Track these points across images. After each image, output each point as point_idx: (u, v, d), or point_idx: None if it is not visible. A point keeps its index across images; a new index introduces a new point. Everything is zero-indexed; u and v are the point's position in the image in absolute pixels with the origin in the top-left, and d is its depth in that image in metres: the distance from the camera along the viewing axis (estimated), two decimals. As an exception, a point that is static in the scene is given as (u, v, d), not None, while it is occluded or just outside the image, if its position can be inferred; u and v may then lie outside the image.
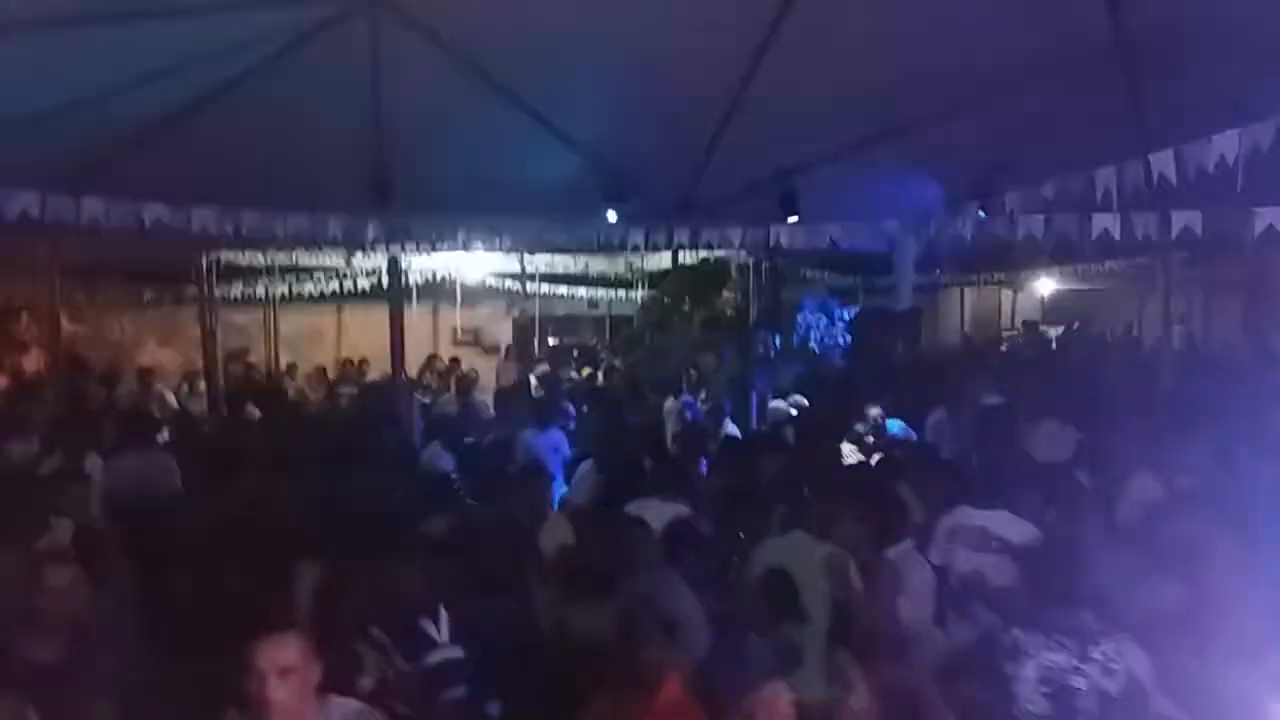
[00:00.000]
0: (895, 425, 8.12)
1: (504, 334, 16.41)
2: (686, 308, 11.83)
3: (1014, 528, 4.48)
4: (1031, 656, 3.51)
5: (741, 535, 5.21)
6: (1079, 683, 3.41)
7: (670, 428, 9.31)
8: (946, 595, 4.53)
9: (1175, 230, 5.55)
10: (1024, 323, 16.71)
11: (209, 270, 10.98)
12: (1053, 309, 17.25)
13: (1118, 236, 5.65)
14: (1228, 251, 11.45)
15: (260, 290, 12.94)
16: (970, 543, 4.53)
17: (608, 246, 9.12)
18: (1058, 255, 13.26)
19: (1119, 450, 6.26)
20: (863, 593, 4.45)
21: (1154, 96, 6.19)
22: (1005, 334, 17.20)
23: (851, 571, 4.45)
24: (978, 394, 8.88)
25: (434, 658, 3.47)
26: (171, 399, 11.56)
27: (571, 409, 10.38)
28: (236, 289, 12.86)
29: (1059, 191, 5.35)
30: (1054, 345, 15.60)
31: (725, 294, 11.53)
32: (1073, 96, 6.90)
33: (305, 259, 12.30)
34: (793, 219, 7.29)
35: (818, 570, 4.41)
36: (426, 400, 11.19)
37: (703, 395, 10.72)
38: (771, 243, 7.39)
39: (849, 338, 11.10)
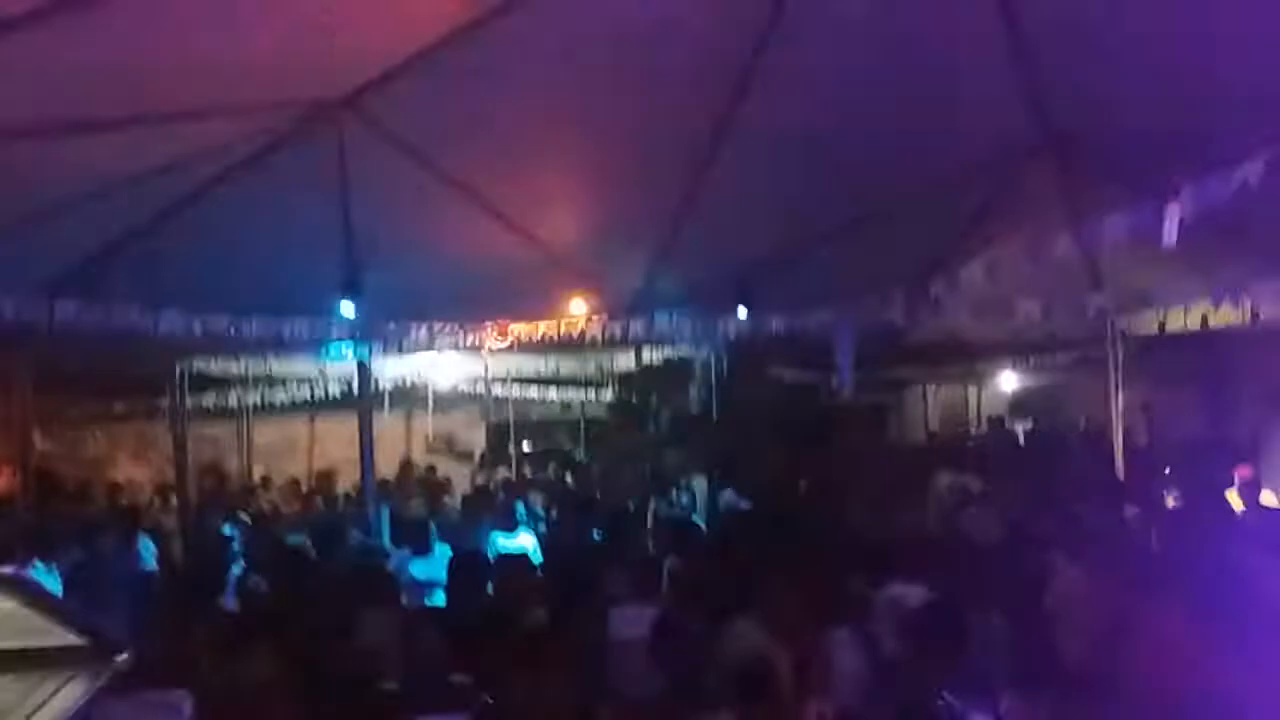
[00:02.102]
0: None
1: (477, 440, 16.53)
2: (653, 406, 12.09)
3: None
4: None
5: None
6: None
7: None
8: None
9: (1091, 312, 5.89)
10: (989, 419, 16.95)
11: (181, 378, 11.12)
12: (1018, 404, 17.52)
13: (1038, 318, 5.97)
14: (1184, 341, 11.88)
15: (233, 400, 13.07)
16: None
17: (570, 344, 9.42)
18: (1011, 348, 13.63)
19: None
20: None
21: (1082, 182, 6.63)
22: (972, 430, 17.43)
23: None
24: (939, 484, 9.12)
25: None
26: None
27: (540, 511, 10.52)
28: (209, 399, 12.98)
29: (986, 276, 5.67)
30: (1020, 441, 15.84)
31: (690, 392, 11.79)
32: (1004, 189, 7.36)
33: (277, 367, 12.52)
34: (742, 311, 7.62)
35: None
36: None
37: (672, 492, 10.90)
38: (720, 334, 7.70)
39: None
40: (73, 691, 2.18)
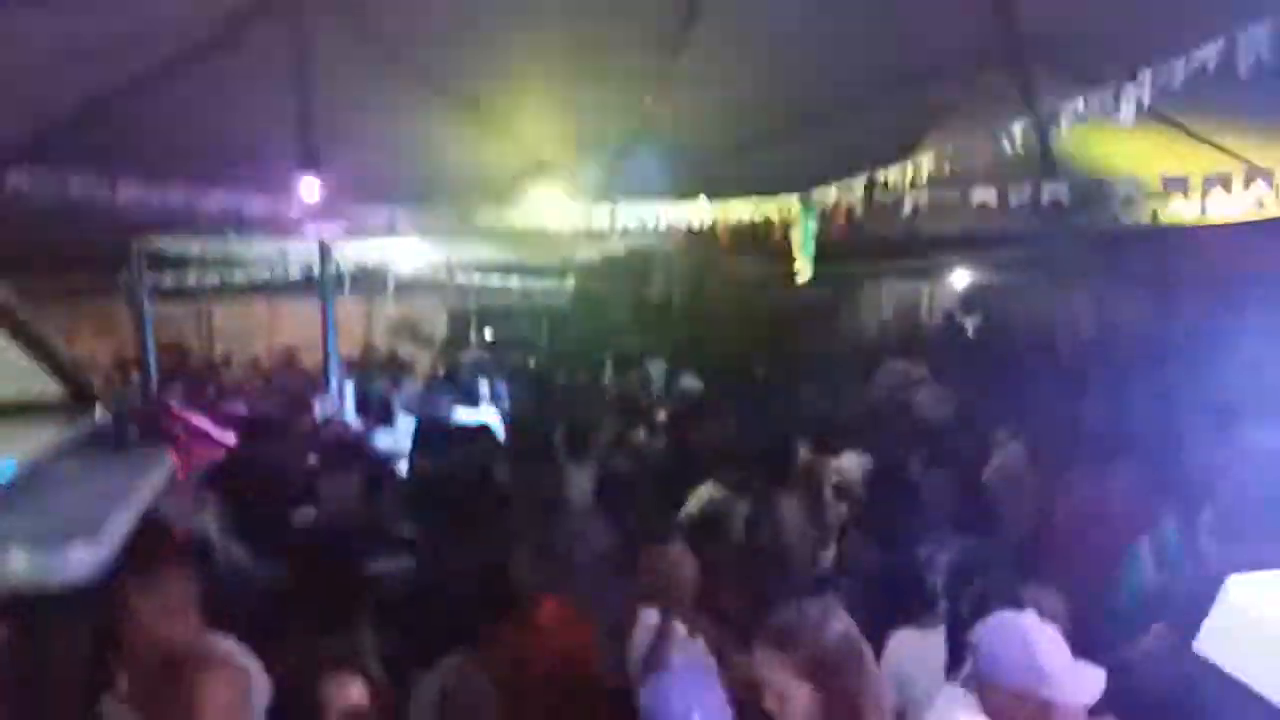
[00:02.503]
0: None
1: (439, 327, 16.61)
2: (615, 296, 12.23)
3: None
4: None
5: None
6: None
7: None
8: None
9: (1045, 199, 6.07)
10: (944, 314, 17.27)
11: (139, 257, 11.02)
12: (969, 301, 17.81)
13: (994, 205, 6.14)
14: (1132, 243, 12.13)
15: (192, 280, 12.99)
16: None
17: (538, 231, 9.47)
18: (964, 244, 13.85)
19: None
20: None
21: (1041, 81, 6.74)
22: (925, 325, 17.77)
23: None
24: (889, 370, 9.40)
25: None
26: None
27: (501, 391, 10.72)
28: (169, 278, 12.89)
29: (938, 164, 5.81)
30: (970, 335, 16.20)
31: (653, 281, 11.92)
32: (965, 86, 7.45)
33: (237, 249, 12.43)
34: (703, 201, 7.72)
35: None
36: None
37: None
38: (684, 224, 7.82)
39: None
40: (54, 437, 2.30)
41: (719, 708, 2.39)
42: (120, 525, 1.91)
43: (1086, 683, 2.38)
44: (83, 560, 1.75)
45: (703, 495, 5.09)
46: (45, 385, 2.54)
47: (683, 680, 2.43)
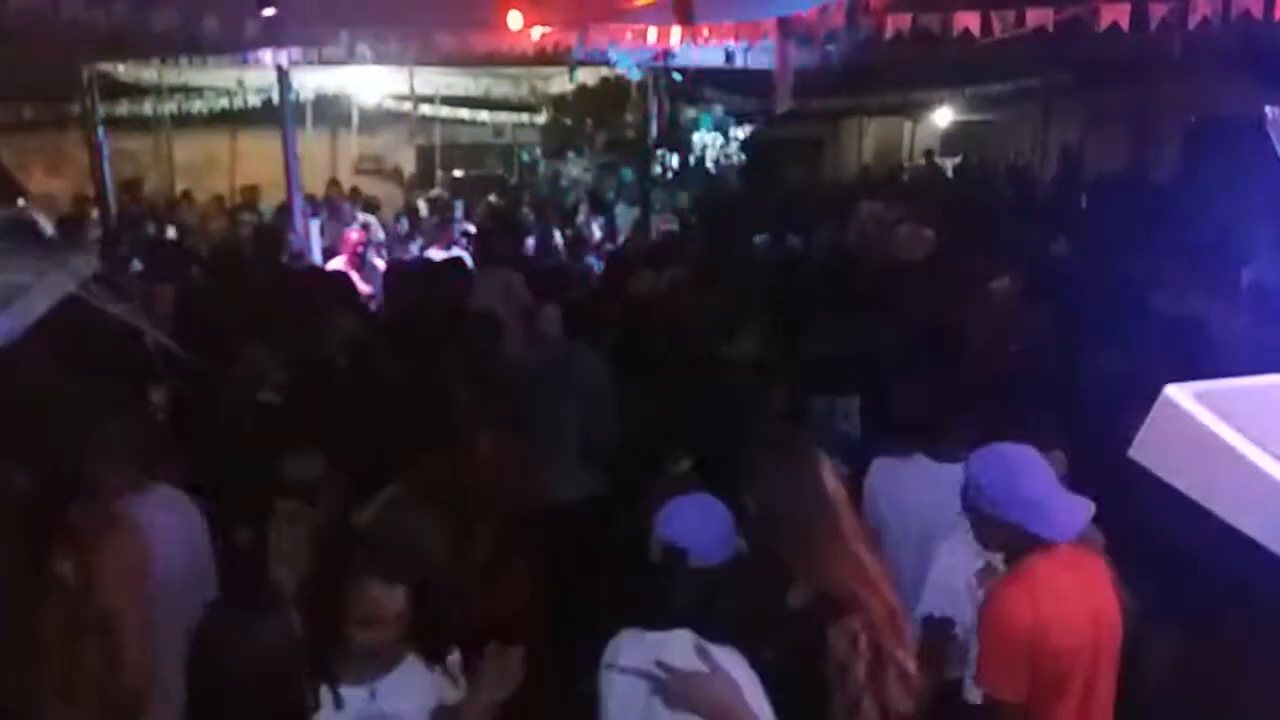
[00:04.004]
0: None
1: (406, 162, 16.17)
2: (588, 130, 11.87)
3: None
4: None
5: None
6: None
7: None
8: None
9: (1030, 25, 5.85)
10: (925, 152, 17.07)
11: (90, 84, 10.53)
12: (950, 141, 17.60)
13: (978, 34, 5.92)
14: (1109, 79, 11.90)
15: (148, 109, 12.49)
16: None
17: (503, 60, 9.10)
18: (949, 78, 13.56)
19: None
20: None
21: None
22: (905, 166, 17.57)
23: None
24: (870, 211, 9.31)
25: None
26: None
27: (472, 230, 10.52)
28: (123, 108, 12.38)
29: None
30: (950, 174, 16.05)
31: (627, 115, 11.55)
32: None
33: (193, 76, 11.92)
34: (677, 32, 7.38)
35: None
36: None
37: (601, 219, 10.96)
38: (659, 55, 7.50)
39: (744, 158, 11.30)
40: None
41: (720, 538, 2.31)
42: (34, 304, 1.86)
43: (1072, 516, 2.39)
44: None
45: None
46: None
47: (687, 506, 2.35)
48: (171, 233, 10.83)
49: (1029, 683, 2.36)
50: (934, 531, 2.93)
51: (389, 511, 3.01)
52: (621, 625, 2.23)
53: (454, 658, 2.29)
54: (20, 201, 2.59)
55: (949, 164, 16.66)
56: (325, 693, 2.17)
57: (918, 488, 3.10)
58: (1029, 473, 2.40)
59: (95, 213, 11.62)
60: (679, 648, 2.07)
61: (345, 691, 2.19)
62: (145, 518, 2.73)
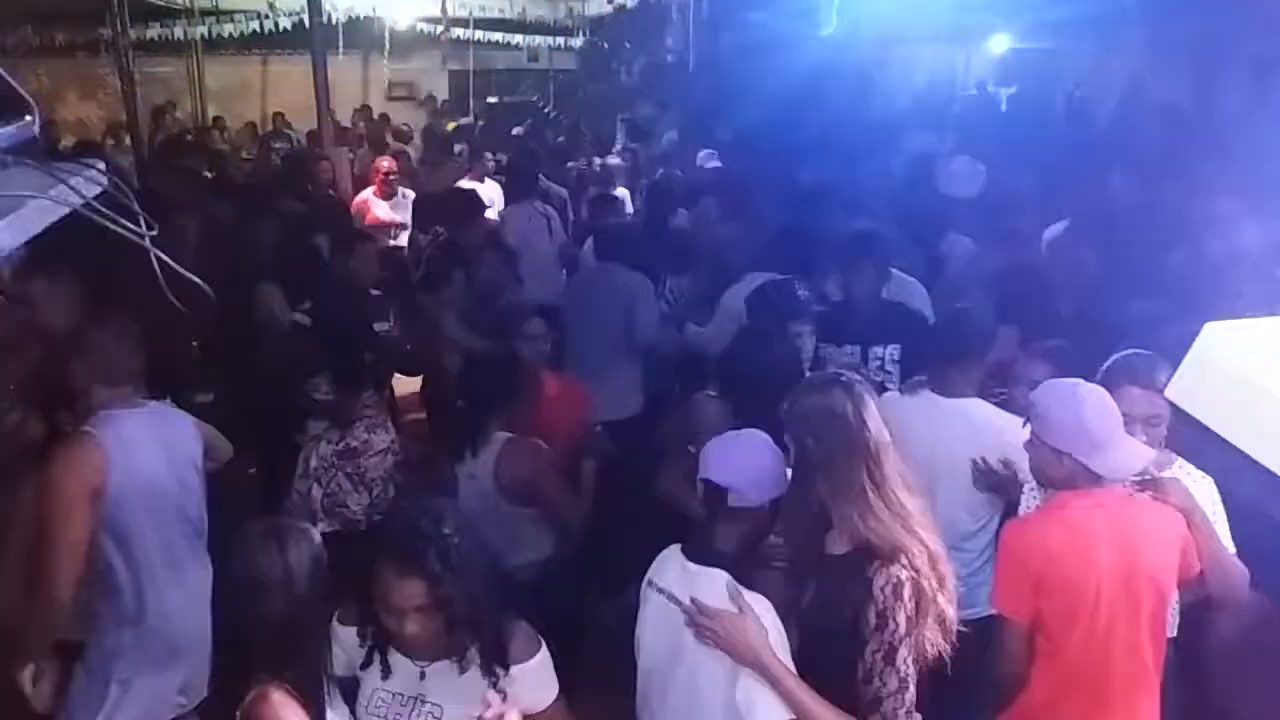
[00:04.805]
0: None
1: (440, 88, 15.81)
2: (626, 55, 11.49)
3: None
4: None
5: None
6: None
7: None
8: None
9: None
10: (978, 83, 16.39)
11: (120, 5, 10.27)
12: (1006, 69, 16.90)
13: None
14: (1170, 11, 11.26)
15: (179, 33, 12.26)
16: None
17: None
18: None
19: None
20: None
21: None
22: (959, 94, 16.90)
23: None
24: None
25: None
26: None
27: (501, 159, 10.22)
28: (154, 31, 12.16)
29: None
30: (1003, 107, 15.41)
31: (667, 40, 11.15)
32: None
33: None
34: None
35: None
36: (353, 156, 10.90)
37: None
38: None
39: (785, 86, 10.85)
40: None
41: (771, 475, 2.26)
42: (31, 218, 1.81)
43: (1127, 459, 2.41)
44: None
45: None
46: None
47: (730, 444, 2.31)
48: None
49: (1035, 608, 2.44)
50: (938, 469, 3.04)
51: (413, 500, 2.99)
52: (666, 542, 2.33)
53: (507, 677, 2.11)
54: (28, 118, 2.46)
55: (1004, 93, 16.02)
56: (375, 654, 2.11)
57: (925, 422, 3.14)
58: (1093, 406, 2.41)
59: (128, 139, 11.50)
60: (713, 586, 2.17)
61: (395, 661, 2.12)
62: (123, 434, 2.77)
